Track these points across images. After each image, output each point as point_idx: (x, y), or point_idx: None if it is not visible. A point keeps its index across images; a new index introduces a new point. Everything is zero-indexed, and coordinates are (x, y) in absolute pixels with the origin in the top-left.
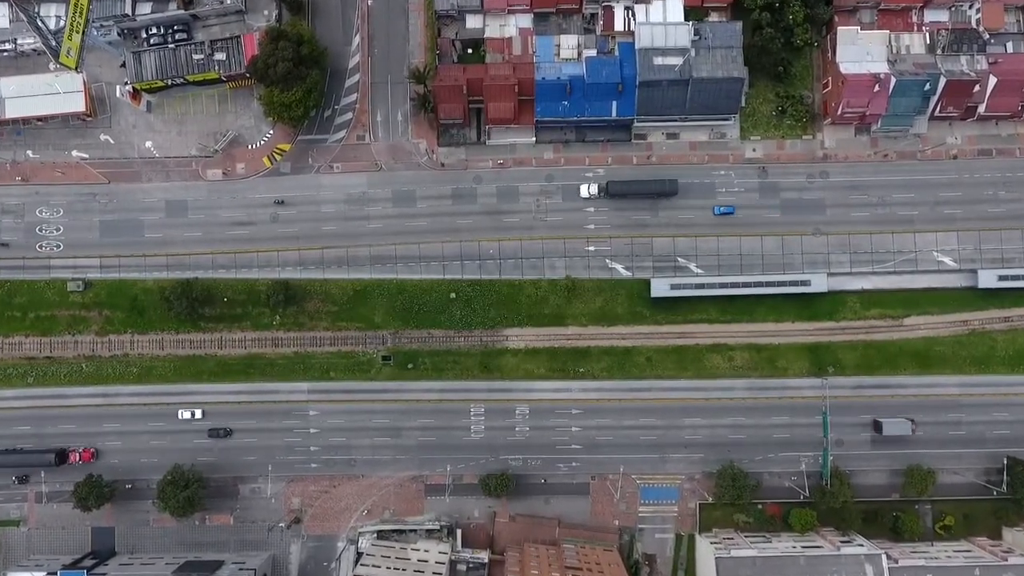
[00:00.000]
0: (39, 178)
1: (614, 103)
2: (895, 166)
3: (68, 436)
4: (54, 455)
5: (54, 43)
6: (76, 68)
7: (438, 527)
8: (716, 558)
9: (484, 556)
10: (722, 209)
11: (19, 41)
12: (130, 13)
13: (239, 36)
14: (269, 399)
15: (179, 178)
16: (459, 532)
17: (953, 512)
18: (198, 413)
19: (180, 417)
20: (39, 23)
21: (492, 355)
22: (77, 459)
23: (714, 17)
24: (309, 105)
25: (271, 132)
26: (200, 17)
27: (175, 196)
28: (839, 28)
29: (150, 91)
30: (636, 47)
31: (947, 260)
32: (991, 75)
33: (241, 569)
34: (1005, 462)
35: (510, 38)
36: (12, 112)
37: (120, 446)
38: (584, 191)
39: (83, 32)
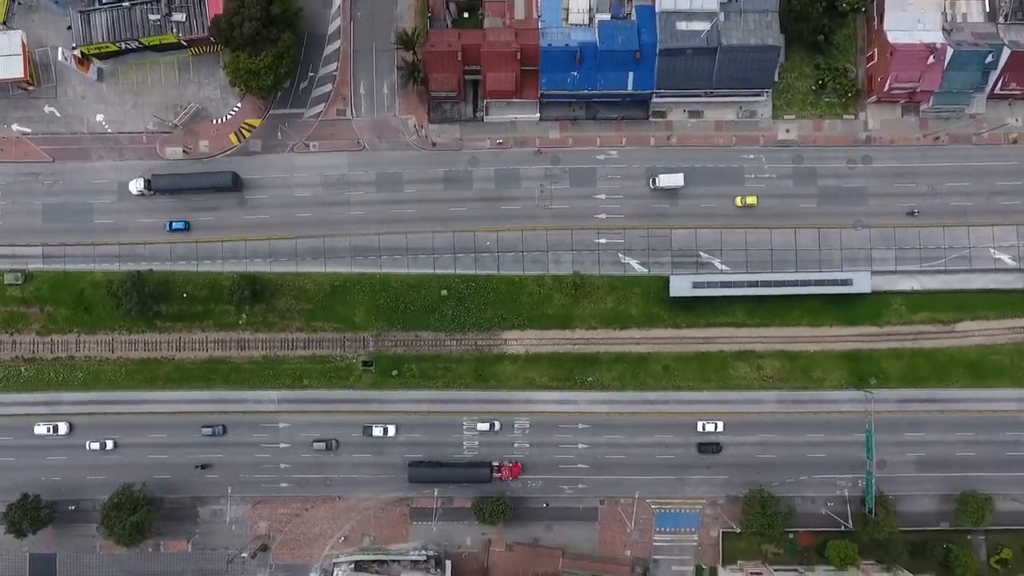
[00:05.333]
0: None
1: (630, 74)
2: (947, 151)
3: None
4: (488, 469)
5: None
6: (3, 21)
7: (424, 557)
8: None
9: None
10: (176, 224)
11: None
12: None
13: None
14: (234, 409)
15: (134, 156)
16: (448, 563)
17: (1010, 544)
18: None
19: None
20: None
21: (488, 361)
22: (508, 475)
23: None
24: (280, 73)
25: (239, 105)
26: None
27: (129, 177)
28: None
29: (100, 56)
30: (657, 10)
31: (1005, 258)
32: None
33: None
34: None
35: (512, 0)
36: None
37: (64, 461)
38: (133, 187)
39: None
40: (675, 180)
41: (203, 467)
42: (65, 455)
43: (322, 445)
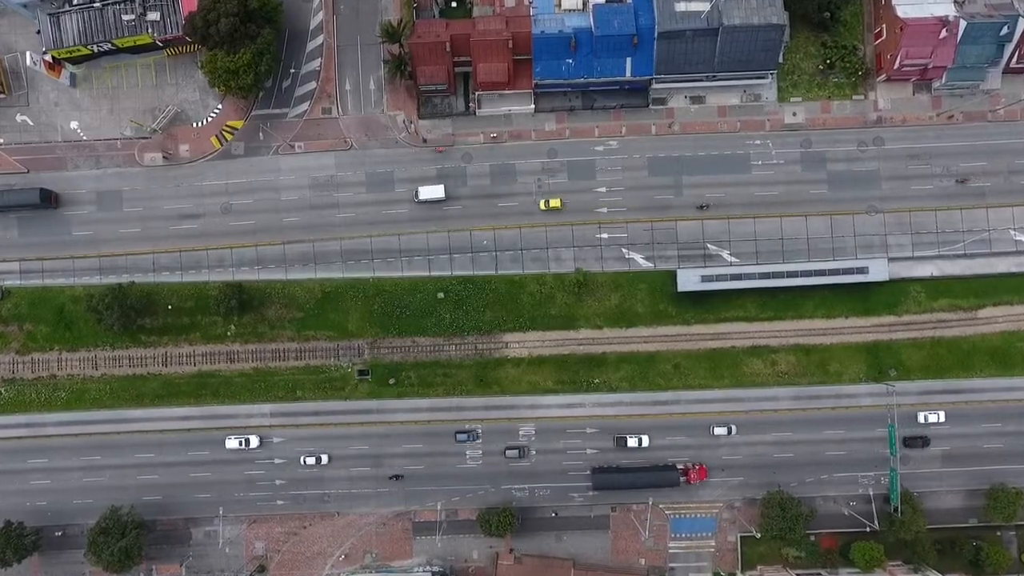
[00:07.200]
0: None
1: (628, 60)
2: (962, 129)
3: None
4: (675, 473)
5: None
6: None
7: (430, 573)
8: None
9: None
10: None
11: None
12: None
13: None
14: (225, 424)
15: (111, 164)
16: None
17: None
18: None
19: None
20: None
21: (489, 366)
22: (696, 477)
23: None
24: (261, 71)
25: (219, 107)
26: None
27: (107, 186)
28: None
29: (73, 61)
30: None
31: None
32: None
33: None
34: None
35: None
36: None
37: (48, 485)
38: None
39: None
40: (436, 192)
41: (396, 477)
42: (48, 479)
43: (514, 452)
